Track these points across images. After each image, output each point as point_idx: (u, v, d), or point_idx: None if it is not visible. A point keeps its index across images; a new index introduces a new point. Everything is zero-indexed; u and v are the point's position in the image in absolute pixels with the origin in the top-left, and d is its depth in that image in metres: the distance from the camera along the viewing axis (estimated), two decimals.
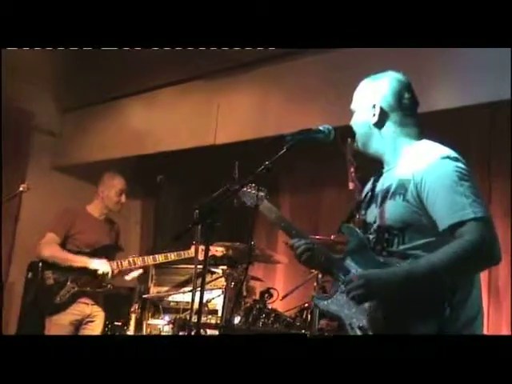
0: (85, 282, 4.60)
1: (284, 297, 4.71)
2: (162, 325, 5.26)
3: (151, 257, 4.79)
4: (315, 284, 4.12)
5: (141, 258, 4.76)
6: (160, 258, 4.77)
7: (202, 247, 3.89)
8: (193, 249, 4.59)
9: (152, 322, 5.39)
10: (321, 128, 2.50)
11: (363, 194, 2.52)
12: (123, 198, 4.89)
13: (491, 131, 4.75)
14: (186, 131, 5.83)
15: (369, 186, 2.52)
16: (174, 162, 5.96)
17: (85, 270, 4.57)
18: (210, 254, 3.91)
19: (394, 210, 2.25)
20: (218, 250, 4.67)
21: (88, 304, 4.66)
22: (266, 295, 4.55)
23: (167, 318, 5.30)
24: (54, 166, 6.77)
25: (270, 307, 4.41)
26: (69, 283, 4.55)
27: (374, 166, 2.47)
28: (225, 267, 4.89)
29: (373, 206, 2.41)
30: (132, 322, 5.16)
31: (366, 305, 2.19)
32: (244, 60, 5.24)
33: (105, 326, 4.94)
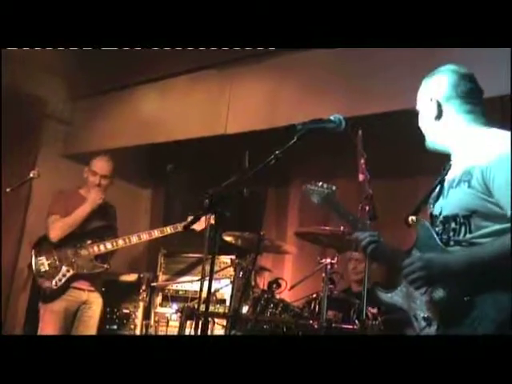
0: (80, 265, 4.59)
1: (292, 287, 4.71)
2: (170, 313, 5.28)
3: (146, 232, 4.80)
4: (323, 275, 4.12)
5: (136, 235, 4.76)
6: (156, 233, 4.78)
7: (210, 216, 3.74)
8: (189, 219, 4.56)
9: (160, 310, 5.42)
10: (332, 118, 2.51)
11: (431, 189, 2.48)
12: (103, 182, 4.81)
13: (501, 124, 4.71)
14: (197, 120, 5.81)
15: (438, 180, 2.46)
16: (185, 151, 5.96)
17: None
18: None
19: (459, 197, 2.21)
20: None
21: (84, 290, 4.64)
22: (275, 285, 4.55)
23: (175, 306, 5.32)
24: (65, 154, 6.78)
25: (278, 297, 4.42)
26: (64, 267, 4.55)
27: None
28: (233, 257, 4.91)
29: (440, 198, 2.38)
30: (140, 310, 5.18)
31: (430, 295, 2.16)
32: (256, 50, 5.22)
33: (107, 313, 4.96)
